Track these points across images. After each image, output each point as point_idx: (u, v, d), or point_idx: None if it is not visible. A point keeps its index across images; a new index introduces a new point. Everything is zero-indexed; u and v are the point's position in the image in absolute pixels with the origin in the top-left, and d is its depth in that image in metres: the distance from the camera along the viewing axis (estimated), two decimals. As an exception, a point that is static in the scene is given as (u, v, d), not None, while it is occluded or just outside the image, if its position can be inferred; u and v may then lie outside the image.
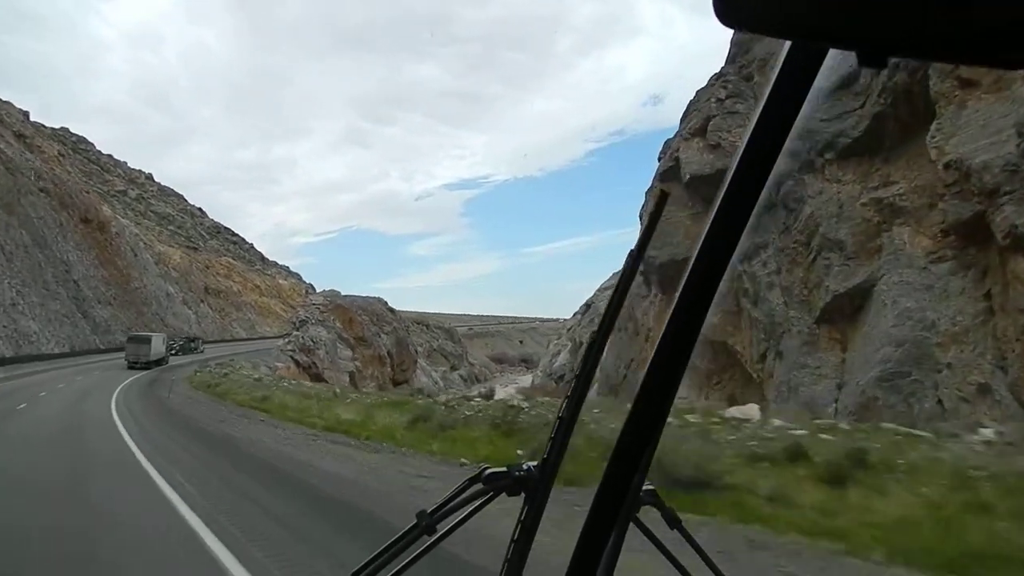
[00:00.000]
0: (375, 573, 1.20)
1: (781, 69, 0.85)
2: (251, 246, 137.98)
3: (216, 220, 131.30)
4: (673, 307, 1.01)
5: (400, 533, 1.20)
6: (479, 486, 1.21)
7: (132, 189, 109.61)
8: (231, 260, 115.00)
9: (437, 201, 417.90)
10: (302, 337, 52.83)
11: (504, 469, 1.23)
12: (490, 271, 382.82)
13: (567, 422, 1.22)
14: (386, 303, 68.48)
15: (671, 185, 32.97)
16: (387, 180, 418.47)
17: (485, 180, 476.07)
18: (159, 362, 52.20)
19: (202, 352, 66.06)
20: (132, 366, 48.30)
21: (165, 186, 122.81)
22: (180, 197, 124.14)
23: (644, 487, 1.23)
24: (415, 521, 1.20)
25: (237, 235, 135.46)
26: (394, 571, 1.21)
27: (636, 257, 1.16)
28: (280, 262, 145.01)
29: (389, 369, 59.55)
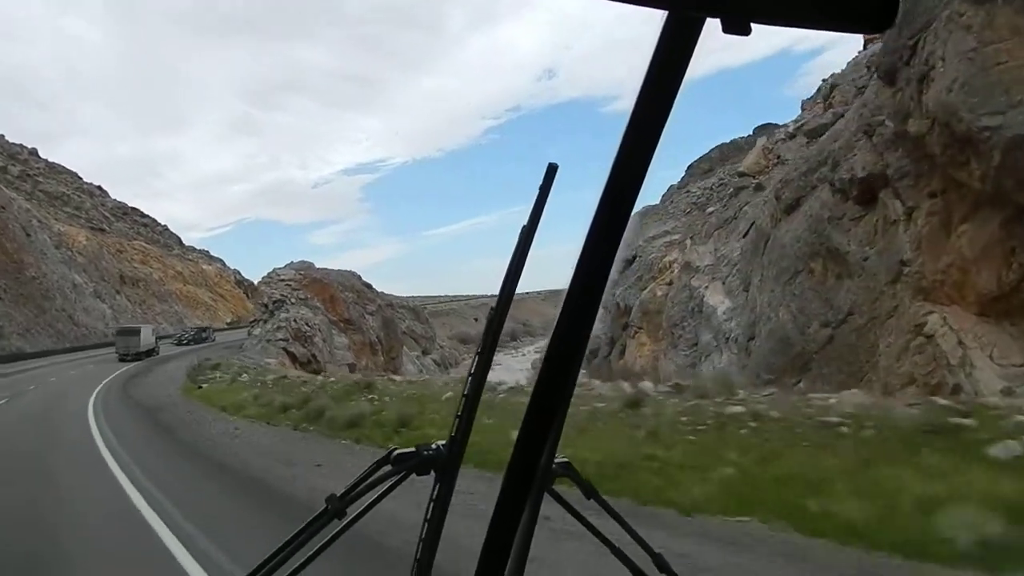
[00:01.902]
0: (285, 560, 1.19)
1: (658, 41, 0.89)
2: (165, 228, 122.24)
3: (120, 200, 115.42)
4: (569, 281, 1.03)
5: (310, 519, 1.20)
6: (388, 468, 1.24)
7: (13, 165, 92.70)
8: (145, 244, 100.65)
9: (335, 187, 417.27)
10: (292, 322, 41.90)
11: (412, 450, 1.25)
12: (393, 255, 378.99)
13: (472, 400, 1.26)
14: (360, 277, 57.72)
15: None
16: (281, 168, 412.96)
17: (383, 163, 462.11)
18: (149, 353, 53.75)
19: (214, 340, 67.60)
20: (123, 358, 49.84)
21: (54, 163, 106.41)
22: (74, 175, 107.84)
23: (557, 459, 1.29)
24: (324, 506, 1.21)
25: (148, 216, 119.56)
26: (305, 557, 1.22)
27: (529, 232, 1.21)
28: (198, 246, 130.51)
29: (381, 357, 49.16)
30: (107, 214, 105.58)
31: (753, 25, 0.79)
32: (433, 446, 1.27)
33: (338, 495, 1.22)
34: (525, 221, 1.21)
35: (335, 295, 47.53)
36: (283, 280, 49.23)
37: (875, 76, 24.81)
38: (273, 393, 23.25)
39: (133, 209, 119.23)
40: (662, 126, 0.93)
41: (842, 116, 27.51)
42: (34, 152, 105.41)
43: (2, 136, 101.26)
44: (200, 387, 28.79)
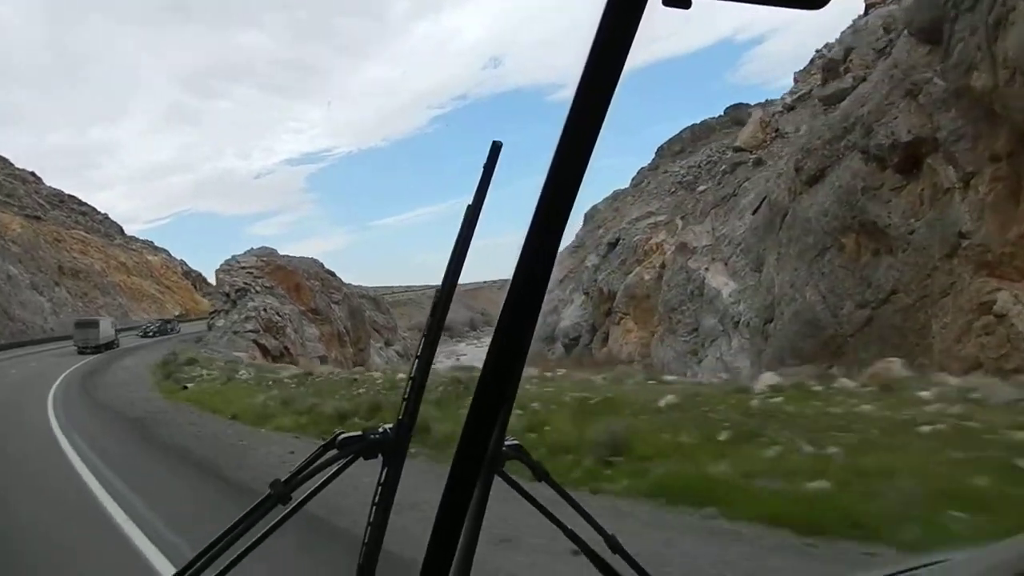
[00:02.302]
0: (228, 547, 1.19)
1: (601, 20, 0.89)
2: (105, 216, 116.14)
3: (56, 187, 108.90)
4: (515, 265, 1.03)
5: (253, 504, 1.19)
6: (334, 452, 1.23)
7: None
8: (84, 234, 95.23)
9: (278, 178, 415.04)
10: (262, 312, 38.78)
11: (359, 433, 1.25)
12: (342, 246, 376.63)
13: (419, 382, 1.26)
14: (323, 265, 54.78)
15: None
16: (223, 158, 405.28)
17: (328, 153, 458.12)
18: (108, 345, 52.98)
19: (179, 332, 66.31)
20: (82, 351, 49.10)
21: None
22: (4, 160, 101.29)
23: (508, 442, 1.32)
24: (268, 492, 1.20)
25: (86, 204, 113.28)
26: (249, 543, 1.21)
27: (474, 212, 1.22)
28: (140, 236, 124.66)
29: (350, 349, 46.46)
30: (42, 202, 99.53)
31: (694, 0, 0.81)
32: (380, 429, 1.26)
33: (282, 480, 1.21)
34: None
35: (300, 283, 44.62)
36: (244, 268, 46.04)
37: (902, 36, 23.21)
38: (307, 395, 18.41)
39: (70, 197, 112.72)
40: (605, 109, 0.92)
41: (863, 80, 25.84)
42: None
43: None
44: (184, 387, 24.66)
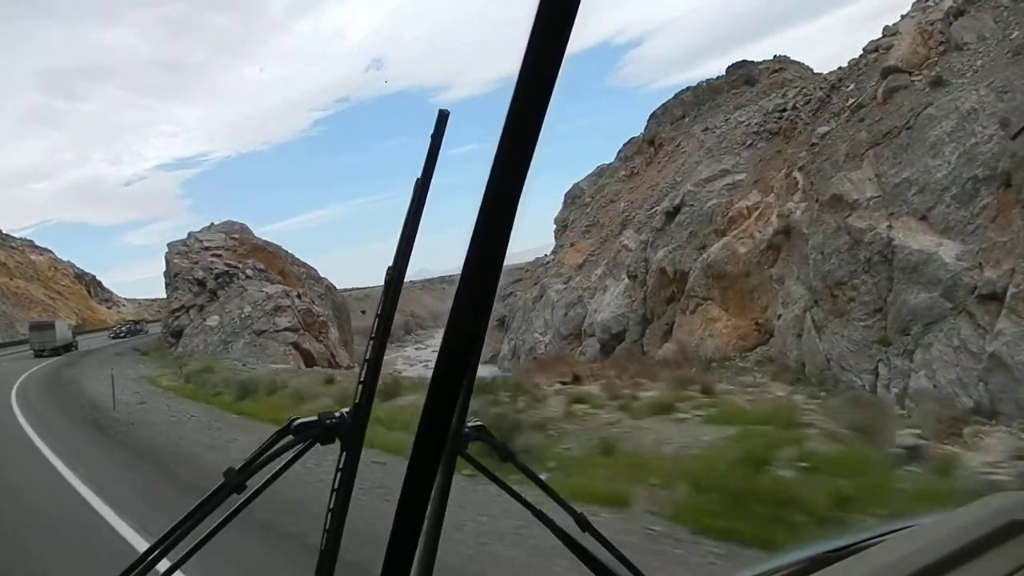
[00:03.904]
0: (182, 538, 1.19)
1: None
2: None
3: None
4: (472, 233, 1.04)
5: (207, 494, 1.19)
6: (289, 438, 1.24)
7: None
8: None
9: (151, 184, 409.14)
10: (295, 304, 28.21)
11: (314, 418, 1.25)
12: None
13: (374, 364, 1.26)
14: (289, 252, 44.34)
15: None
16: (89, 164, 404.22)
17: (204, 158, 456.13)
18: (67, 347, 53.54)
19: (147, 332, 67.42)
20: (39, 354, 49.77)
21: None
22: None
23: (470, 423, 1.33)
24: (223, 480, 1.21)
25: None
26: (204, 534, 1.21)
27: (423, 186, 1.23)
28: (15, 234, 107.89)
29: (346, 351, 36.47)
30: None
31: None
32: (336, 414, 1.26)
33: (236, 468, 1.20)
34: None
35: (286, 269, 34.54)
36: (209, 248, 35.44)
37: None
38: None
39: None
40: (551, 90, 0.92)
41: None
42: None
43: None
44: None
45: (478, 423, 1.38)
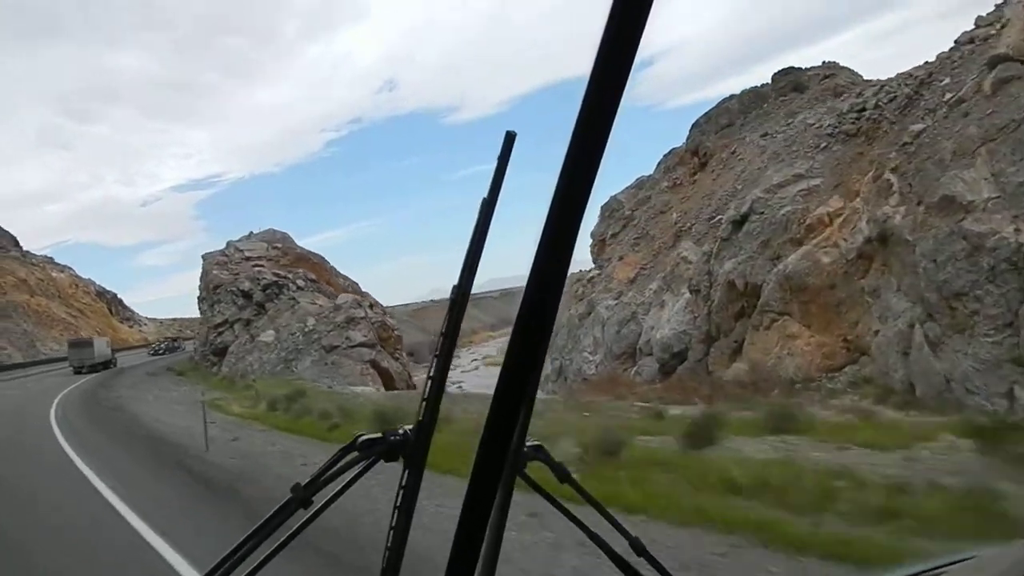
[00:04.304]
0: (251, 552, 1.22)
1: (612, 5, 0.90)
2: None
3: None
4: (536, 250, 1.05)
5: (275, 509, 1.23)
6: (354, 454, 1.27)
7: None
8: (-32, 243, 78.72)
9: (166, 205, 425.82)
10: (368, 316, 25.95)
11: (379, 435, 1.28)
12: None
13: (438, 382, 1.27)
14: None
15: None
16: (103, 185, 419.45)
17: (218, 179, 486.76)
18: (106, 365, 54.83)
19: (185, 350, 67.01)
20: (78, 371, 50.86)
21: None
22: None
23: (528, 443, 1.35)
24: (290, 495, 1.23)
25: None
26: (271, 548, 1.25)
27: (489, 204, 1.25)
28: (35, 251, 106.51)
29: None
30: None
31: None
32: (400, 431, 1.28)
33: (303, 484, 1.23)
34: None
35: (332, 281, 32.24)
36: (250, 257, 33.26)
37: None
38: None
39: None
40: (621, 91, 0.94)
41: None
42: None
43: None
44: None
45: (536, 442, 1.36)
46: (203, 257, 51.44)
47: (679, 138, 71.12)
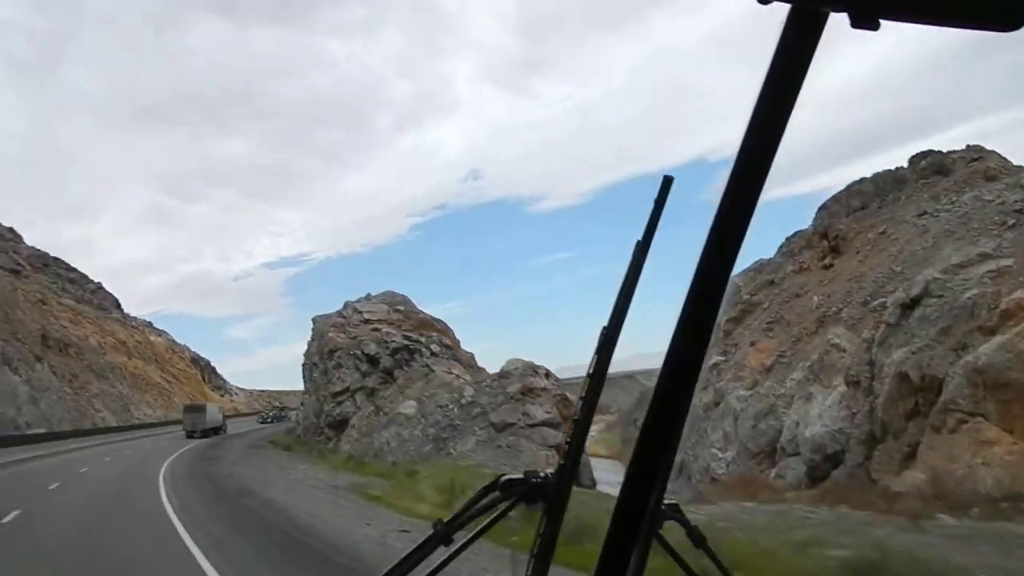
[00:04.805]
0: None
1: (781, 38, 0.92)
2: (99, 286, 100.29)
3: (41, 248, 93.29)
4: (679, 316, 1.08)
5: (416, 545, 1.25)
6: (496, 494, 1.28)
7: None
8: (74, 302, 79.74)
9: (256, 281, 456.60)
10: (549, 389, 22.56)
11: (521, 476, 1.29)
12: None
13: (582, 425, 1.28)
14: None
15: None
16: (200, 260, 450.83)
17: (306, 257, 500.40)
18: (216, 430, 56.94)
19: (290, 419, 66.95)
20: (190, 435, 52.96)
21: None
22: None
23: (666, 501, 1.32)
24: (431, 532, 1.25)
25: (76, 270, 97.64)
26: None
27: (643, 248, 1.26)
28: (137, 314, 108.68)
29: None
30: (22, 262, 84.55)
31: (882, 22, 0.83)
32: (542, 474, 1.28)
33: (444, 521, 1.25)
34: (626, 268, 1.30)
35: (458, 349, 29.32)
36: (370, 320, 30.73)
37: None
38: None
39: (56, 260, 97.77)
40: (782, 130, 0.96)
41: None
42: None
43: None
44: None
45: (673, 501, 1.32)
46: (314, 320, 49.44)
47: (790, 222, 70.21)
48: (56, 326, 65.79)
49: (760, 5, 0.80)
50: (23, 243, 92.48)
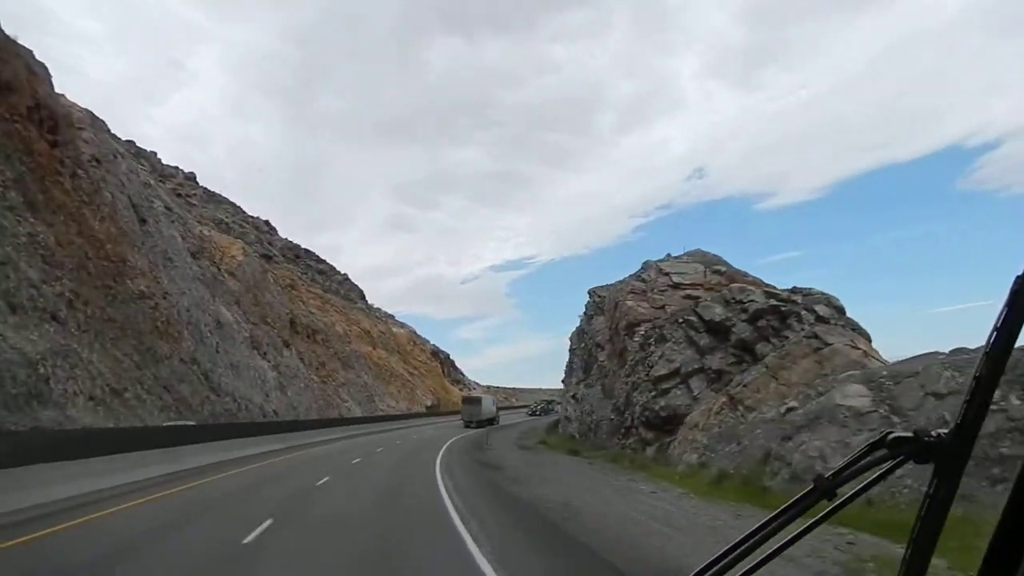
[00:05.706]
0: (772, 535, 1.22)
1: None
2: (345, 277, 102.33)
3: (292, 240, 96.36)
4: None
5: (797, 496, 1.22)
6: (882, 451, 1.21)
7: (161, 182, 73.73)
8: (322, 292, 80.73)
9: (483, 284, 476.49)
10: None
11: (911, 435, 1.20)
12: (539, 351, 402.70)
13: (986, 380, 1.15)
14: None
15: None
16: (434, 264, 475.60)
17: (531, 260, 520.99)
18: (491, 421, 64.38)
19: (556, 413, 68.56)
20: (468, 425, 60.98)
21: (214, 191, 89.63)
22: (236, 207, 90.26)
23: None
24: (812, 486, 1.22)
25: (324, 261, 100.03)
26: (790, 536, 1.24)
27: None
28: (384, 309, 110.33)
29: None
30: (275, 252, 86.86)
31: None
32: (935, 433, 1.18)
33: (827, 475, 1.20)
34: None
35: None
36: (680, 284, 23.94)
37: None
38: None
39: (307, 252, 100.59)
40: None
41: None
42: (191, 177, 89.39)
43: (154, 153, 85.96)
44: None
45: None
46: (592, 293, 43.46)
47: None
48: (304, 311, 65.16)
49: None
50: (277, 235, 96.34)
